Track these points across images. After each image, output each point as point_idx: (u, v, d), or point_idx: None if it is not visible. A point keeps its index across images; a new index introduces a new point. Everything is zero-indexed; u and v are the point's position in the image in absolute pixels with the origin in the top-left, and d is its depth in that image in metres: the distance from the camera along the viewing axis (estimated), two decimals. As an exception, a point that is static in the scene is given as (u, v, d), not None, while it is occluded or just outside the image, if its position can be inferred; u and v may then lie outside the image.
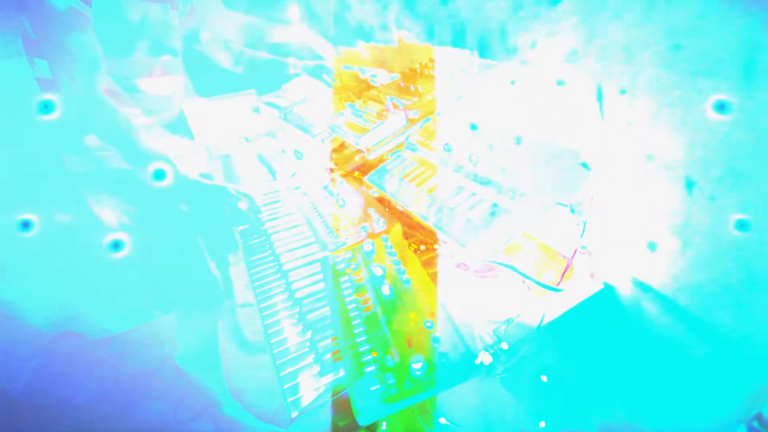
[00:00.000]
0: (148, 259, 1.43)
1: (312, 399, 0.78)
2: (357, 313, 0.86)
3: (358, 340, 0.79)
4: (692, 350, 0.97)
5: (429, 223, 0.95)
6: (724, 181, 0.78)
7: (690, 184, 0.84)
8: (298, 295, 1.03)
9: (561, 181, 0.84)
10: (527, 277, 0.95)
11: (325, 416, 0.77)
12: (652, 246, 0.99)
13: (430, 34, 1.52)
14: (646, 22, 0.82)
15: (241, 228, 1.31)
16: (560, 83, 1.07)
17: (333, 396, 0.78)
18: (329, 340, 0.89)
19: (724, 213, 0.80)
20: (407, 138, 1.25)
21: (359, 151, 1.30)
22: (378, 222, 1.13)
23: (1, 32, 1.59)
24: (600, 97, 0.98)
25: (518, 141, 0.97)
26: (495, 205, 0.88)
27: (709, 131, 0.78)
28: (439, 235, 0.90)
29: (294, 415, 0.76)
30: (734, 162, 0.76)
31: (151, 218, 1.48)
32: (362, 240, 1.09)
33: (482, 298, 1.05)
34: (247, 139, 2.48)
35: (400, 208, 1.05)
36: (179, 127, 2.68)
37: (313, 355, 0.87)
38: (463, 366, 0.70)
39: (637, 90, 0.88)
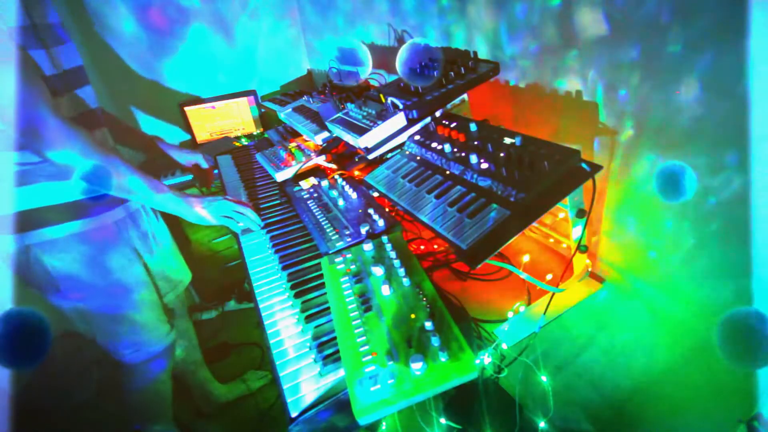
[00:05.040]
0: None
1: (312, 399, 0.78)
2: (357, 313, 0.86)
3: (358, 340, 0.79)
4: (692, 349, 0.97)
5: (429, 223, 0.95)
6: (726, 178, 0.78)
7: (690, 183, 0.84)
8: (297, 294, 1.03)
9: (561, 181, 0.84)
10: (527, 277, 0.95)
11: (325, 416, 0.77)
12: (652, 245, 0.99)
13: (430, 34, 1.52)
14: (645, 21, 0.82)
15: (241, 228, 1.31)
16: (560, 83, 1.07)
17: (333, 396, 0.78)
18: (329, 340, 0.89)
19: (723, 210, 0.81)
20: (407, 138, 1.25)
21: (359, 151, 1.30)
22: (378, 222, 1.13)
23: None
24: (600, 96, 0.98)
25: (518, 141, 0.97)
26: (495, 205, 0.88)
27: (708, 130, 0.78)
28: (439, 234, 0.90)
29: (294, 415, 0.76)
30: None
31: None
32: (362, 240, 1.09)
33: (482, 298, 1.05)
34: (246, 139, 2.48)
35: (400, 208, 1.05)
36: (180, 126, 2.67)
37: (313, 355, 0.87)
38: (463, 366, 0.70)
39: (638, 90, 0.88)
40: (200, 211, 1.22)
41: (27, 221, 1.12)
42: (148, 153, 1.64)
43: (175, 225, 1.99)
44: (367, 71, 1.80)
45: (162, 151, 1.64)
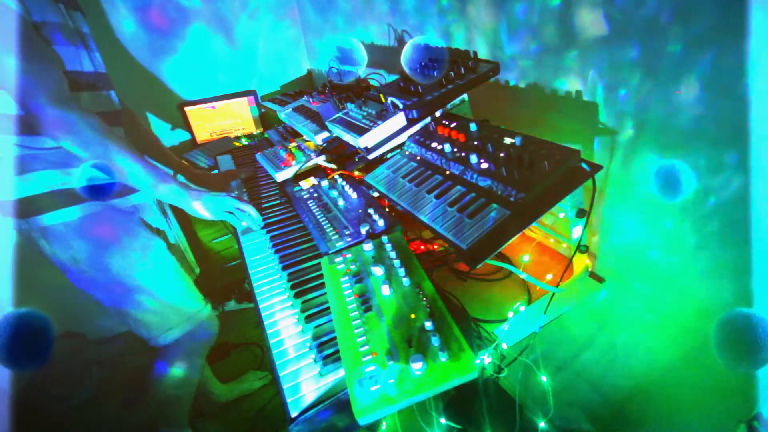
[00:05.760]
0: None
1: (312, 399, 0.78)
2: (357, 313, 0.86)
3: (358, 340, 0.79)
4: (692, 349, 0.98)
5: (429, 223, 0.95)
6: (725, 181, 0.78)
7: (689, 183, 0.84)
8: (297, 294, 1.03)
9: (561, 181, 0.84)
10: (527, 277, 0.95)
11: (325, 416, 0.77)
12: (652, 245, 0.99)
13: (430, 35, 1.52)
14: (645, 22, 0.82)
15: (242, 225, 1.31)
16: (560, 83, 1.07)
17: (333, 396, 0.78)
18: (329, 340, 0.89)
19: (723, 210, 0.81)
20: (407, 138, 1.25)
21: (359, 151, 1.30)
22: (378, 222, 1.13)
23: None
24: (600, 96, 0.98)
25: (518, 141, 0.97)
26: (495, 205, 0.88)
27: (709, 129, 0.78)
28: (439, 235, 0.90)
29: (294, 414, 0.76)
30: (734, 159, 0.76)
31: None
32: (362, 240, 1.09)
33: (482, 298, 1.05)
34: (246, 140, 2.48)
35: (400, 208, 1.05)
36: (179, 127, 2.67)
37: (313, 355, 0.87)
38: (463, 366, 0.70)
39: (638, 90, 0.88)
40: (199, 207, 1.21)
41: (33, 207, 1.15)
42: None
43: (185, 222, 1.99)
44: (362, 69, 1.80)
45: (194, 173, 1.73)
